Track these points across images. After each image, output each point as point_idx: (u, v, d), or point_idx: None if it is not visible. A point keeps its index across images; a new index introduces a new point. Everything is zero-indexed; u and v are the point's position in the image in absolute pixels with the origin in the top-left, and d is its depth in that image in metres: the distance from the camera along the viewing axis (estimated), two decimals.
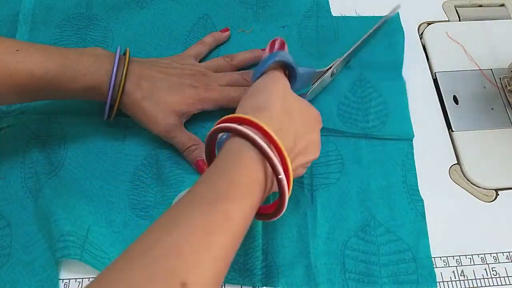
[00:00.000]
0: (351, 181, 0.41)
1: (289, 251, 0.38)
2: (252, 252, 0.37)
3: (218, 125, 0.30)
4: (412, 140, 0.44)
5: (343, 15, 0.52)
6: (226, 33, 0.48)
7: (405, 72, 0.48)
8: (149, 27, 0.50)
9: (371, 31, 0.47)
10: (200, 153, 0.40)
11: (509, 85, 0.47)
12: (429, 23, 0.52)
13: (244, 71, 0.45)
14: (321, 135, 0.43)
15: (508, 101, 0.46)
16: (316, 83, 0.43)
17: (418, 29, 0.52)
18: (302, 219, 0.40)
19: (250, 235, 0.38)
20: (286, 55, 0.35)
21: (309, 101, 0.42)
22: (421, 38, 0.51)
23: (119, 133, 0.44)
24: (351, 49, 0.46)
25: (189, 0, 0.52)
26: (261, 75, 0.34)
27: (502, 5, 0.54)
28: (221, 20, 0.51)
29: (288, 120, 0.31)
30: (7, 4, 0.50)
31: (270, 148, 0.28)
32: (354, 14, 0.52)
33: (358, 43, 0.46)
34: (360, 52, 0.48)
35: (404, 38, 0.49)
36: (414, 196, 0.41)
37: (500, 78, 0.48)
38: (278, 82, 0.33)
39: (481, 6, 0.54)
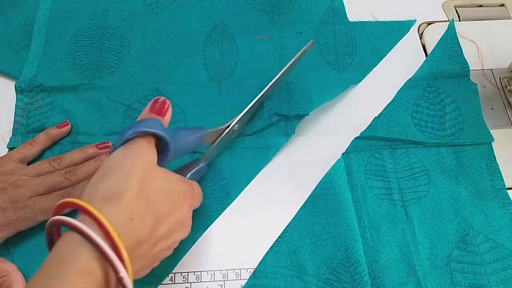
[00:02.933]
0: (441, 191, 0.43)
1: (395, 272, 0.40)
2: (359, 278, 0.39)
3: (53, 218, 0.27)
4: (491, 143, 0.46)
5: (359, 20, 0.55)
6: (65, 128, 0.45)
7: (405, 72, 0.50)
8: (166, 35, 0.52)
9: (286, 68, 0.45)
10: (11, 281, 0.36)
11: (509, 85, 0.49)
12: (429, 23, 0.55)
13: (68, 168, 0.41)
14: (401, 148, 0.45)
15: (508, 101, 0.49)
16: (214, 144, 0.40)
17: (418, 29, 0.55)
18: (401, 237, 0.41)
19: (353, 260, 0.39)
20: (154, 124, 0.31)
21: (208, 164, 0.41)
22: (421, 38, 0.54)
23: None
24: (252, 103, 0.43)
25: (203, 6, 0.54)
26: (117, 147, 0.30)
27: (502, 5, 0.57)
28: (237, 27, 0.53)
29: (145, 205, 0.28)
30: (19, 15, 0.52)
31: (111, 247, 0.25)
32: (371, 18, 0.55)
33: (265, 90, 0.44)
34: (423, 65, 0.50)
35: (460, 46, 0.52)
36: (505, 199, 0.43)
37: (500, 78, 0.51)
38: (138, 157, 0.29)
39: (481, 6, 0.57)
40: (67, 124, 0.45)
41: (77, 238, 0.25)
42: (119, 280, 0.25)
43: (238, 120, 0.42)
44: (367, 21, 0.54)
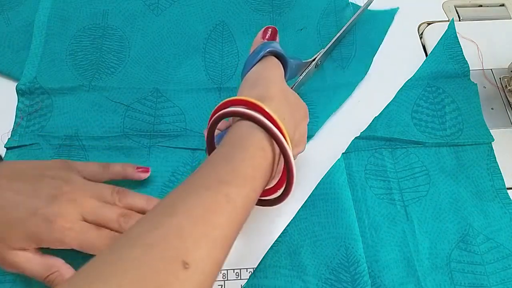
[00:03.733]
0: (441, 191, 0.44)
1: (395, 272, 0.40)
2: (359, 278, 0.39)
3: (225, 110, 0.32)
4: (491, 143, 0.46)
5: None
6: (143, 174, 0.42)
7: (405, 72, 0.50)
8: (166, 35, 0.53)
9: (351, 20, 0.51)
10: (63, 276, 0.35)
11: (509, 85, 0.50)
12: (429, 23, 0.55)
13: (125, 212, 0.37)
14: (402, 148, 0.46)
15: (508, 101, 0.50)
16: (302, 75, 0.46)
17: (418, 29, 0.55)
18: (402, 237, 0.42)
19: (353, 260, 0.40)
20: (277, 45, 0.37)
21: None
22: (421, 38, 0.54)
23: (143, 151, 0.45)
24: (334, 39, 0.50)
25: (204, 7, 0.55)
26: (253, 65, 0.36)
27: (502, 5, 0.57)
28: (237, 27, 0.53)
29: (288, 111, 0.33)
30: (19, 15, 0.53)
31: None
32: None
33: (340, 33, 0.50)
34: (423, 65, 0.51)
35: (460, 46, 0.52)
36: (505, 199, 0.44)
37: (500, 78, 0.51)
38: (276, 71, 0.35)
39: (481, 6, 0.57)
40: (147, 171, 0.42)
41: (250, 124, 0.31)
42: (290, 167, 0.31)
43: (322, 55, 0.48)
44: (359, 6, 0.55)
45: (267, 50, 0.36)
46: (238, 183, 0.28)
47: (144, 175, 0.42)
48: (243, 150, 0.29)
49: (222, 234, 0.26)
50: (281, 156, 0.32)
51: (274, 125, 0.30)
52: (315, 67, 0.48)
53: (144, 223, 0.25)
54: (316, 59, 0.47)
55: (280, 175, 0.33)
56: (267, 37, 0.38)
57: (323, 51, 0.48)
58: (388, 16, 0.55)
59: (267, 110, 0.30)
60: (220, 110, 0.32)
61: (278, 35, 0.39)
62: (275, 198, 0.34)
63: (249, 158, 0.29)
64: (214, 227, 0.25)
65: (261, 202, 0.34)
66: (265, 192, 0.34)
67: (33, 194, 0.34)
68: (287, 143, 0.30)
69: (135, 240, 0.24)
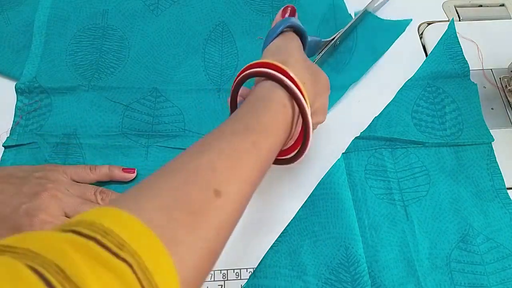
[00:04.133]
0: (441, 191, 0.44)
1: (395, 272, 0.40)
2: (359, 278, 0.39)
3: (249, 70, 0.34)
4: (491, 143, 0.46)
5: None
6: (128, 175, 0.43)
7: (405, 72, 0.51)
8: (166, 36, 0.53)
9: (355, 18, 0.53)
10: None
11: (509, 85, 0.50)
12: (429, 23, 0.56)
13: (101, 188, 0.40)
14: (402, 148, 0.46)
15: (508, 101, 0.50)
16: (320, 54, 0.48)
17: (418, 29, 0.55)
18: (401, 237, 0.42)
19: (353, 260, 0.40)
20: (297, 21, 0.38)
21: None
22: (421, 38, 0.54)
23: (141, 150, 0.46)
24: (346, 27, 0.51)
25: (204, 7, 0.55)
26: (273, 39, 0.37)
27: (502, 5, 0.57)
28: (237, 28, 0.54)
29: (309, 78, 0.35)
30: (19, 15, 0.53)
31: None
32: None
33: (347, 26, 0.51)
34: (423, 65, 0.51)
35: (460, 46, 0.52)
36: (505, 199, 0.44)
37: (500, 78, 0.51)
38: (294, 43, 0.37)
39: (481, 6, 0.58)
40: (133, 172, 0.44)
41: (272, 83, 0.33)
42: (307, 122, 0.33)
43: (341, 34, 0.50)
44: (368, 13, 0.55)
45: (287, 24, 0.37)
46: (263, 132, 0.30)
47: (130, 176, 0.43)
48: (267, 105, 0.32)
49: (249, 173, 0.28)
50: (299, 117, 0.33)
51: (295, 85, 0.32)
52: (333, 47, 0.50)
53: (177, 160, 0.27)
54: (335, 38, 0.49)
55: (297, 136, 0.35)
56: (286, 15, 0.39)
57: (342, 31, 0.50)
58: (399, 26, 0.55)
59: (288, 71, 0.32)
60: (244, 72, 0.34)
61: (296, 13, 0.40)
62: (291, 157, 0.35)
63: (273, 111, 0.31)
64: (241, 165, 0.27)
65: (277, 161, 0.36)
66: (282, 152, 0.36)
67: (18, 192, 0.36)
68: (306, 104, 0.32)
69: (174, 170, 0.26)
